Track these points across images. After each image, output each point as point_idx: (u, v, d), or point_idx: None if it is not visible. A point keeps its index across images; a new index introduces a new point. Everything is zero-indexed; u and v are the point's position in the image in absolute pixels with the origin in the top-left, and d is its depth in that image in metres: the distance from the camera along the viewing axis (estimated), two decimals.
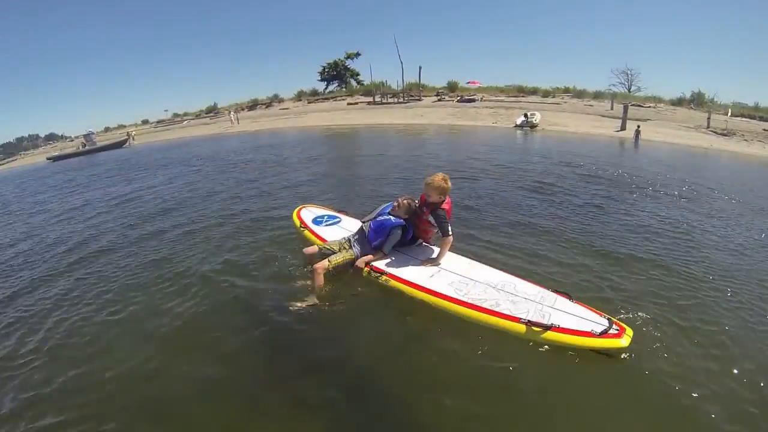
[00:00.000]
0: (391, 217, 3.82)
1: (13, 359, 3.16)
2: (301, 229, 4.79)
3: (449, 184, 3.70)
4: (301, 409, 2.50)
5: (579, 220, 5.74)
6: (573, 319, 2.89)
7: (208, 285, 3.97)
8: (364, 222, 4.07)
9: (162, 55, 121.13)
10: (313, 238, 4.50)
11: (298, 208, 5.27)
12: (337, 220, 4.88)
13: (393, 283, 3.56)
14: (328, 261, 3.74)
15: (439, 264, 3.72)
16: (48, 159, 31.15)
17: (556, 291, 3.27)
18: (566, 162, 10.70)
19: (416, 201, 3.90)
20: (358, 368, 2.87)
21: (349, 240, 4.02)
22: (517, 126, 21.05)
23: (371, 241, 3.87)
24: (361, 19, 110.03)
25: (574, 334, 2.76)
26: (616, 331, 2.73)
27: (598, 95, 29.84)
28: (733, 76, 64.75)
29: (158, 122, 49.90)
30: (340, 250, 3.91)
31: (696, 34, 79.73)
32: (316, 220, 4.88)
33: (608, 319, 2.84)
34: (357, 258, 3.86)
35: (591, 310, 3.00)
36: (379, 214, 3.94)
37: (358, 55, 45.52)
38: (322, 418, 2.43)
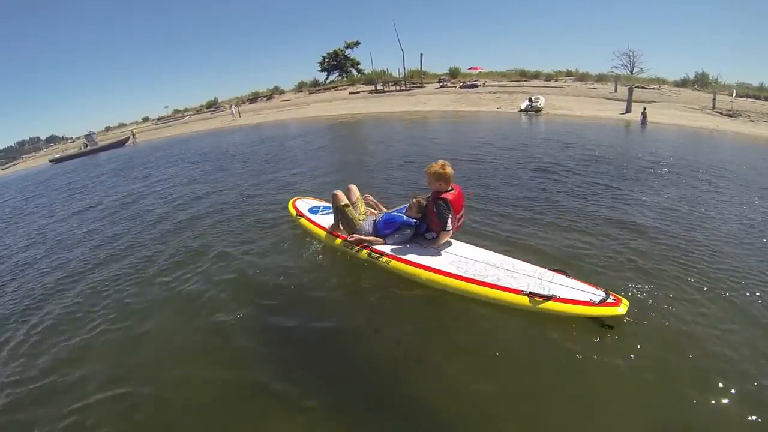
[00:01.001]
0: (404, 216, 3.90)
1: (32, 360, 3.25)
2: (297, 217, 4.95)
3: (448, 170, 3.56)
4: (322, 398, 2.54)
5: (582, 201, 5.83)
6: (572, 291, 3.04)
7: (213, 287, 3.95)
8: (378, 214, 4.24)
9: (160, 51, 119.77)
10: (310, 225, 4.69)
11: (293, 200, 5.44)
12: (327, 208, 4.94)
13: (393, 263, 3.66)
14: (345, 205, 4.10)
15: (435, 246, 3.75)
16: (50, 161, 31.40)
17: (553, 269, 3.37)
18: (572, 145, 10.73)
19: (428, 197, 3.85)
20: (365, 349, 2.96)
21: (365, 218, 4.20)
22: (521, 110, 20.94)
23: (379, 230, 3.98)
24: (360, 7, 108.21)
25: (574, 304, 2.91)
26: (613, 301, 2.89)
27: (601, 78, 29.52)
28: (737, 57, 63.71)
29: (159, 119, 49.60)
30: (359, 209, 4.22)
31: (698, 13, 78.26)
32: (312, 210, 5.04)
33: (605, 290, 2.99)
34: (359, 233, 4.03)
35: (588, 284, 3.14)
36: (396, 212, 4.05)
37: (357, 44, 45.39)
38: (342, 402, 2.50)
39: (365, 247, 3.91)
